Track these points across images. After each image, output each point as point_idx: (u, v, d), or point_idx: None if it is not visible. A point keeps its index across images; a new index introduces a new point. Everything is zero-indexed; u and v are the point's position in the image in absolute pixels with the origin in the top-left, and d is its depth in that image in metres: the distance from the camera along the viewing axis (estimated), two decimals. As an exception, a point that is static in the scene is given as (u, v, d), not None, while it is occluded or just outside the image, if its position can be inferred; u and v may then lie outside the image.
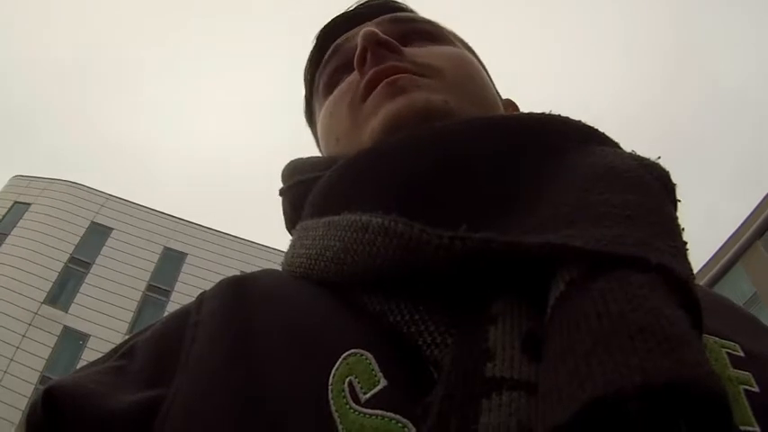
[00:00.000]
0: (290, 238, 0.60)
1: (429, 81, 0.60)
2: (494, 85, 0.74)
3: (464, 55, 0.69)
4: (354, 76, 0.64)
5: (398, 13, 0.72)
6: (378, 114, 0.59)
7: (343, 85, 0.66)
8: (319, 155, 0.79)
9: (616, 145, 0.52)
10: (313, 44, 0.76)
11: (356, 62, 0.63)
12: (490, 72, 0.75)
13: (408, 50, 0.63)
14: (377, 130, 0.58)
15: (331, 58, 0.70)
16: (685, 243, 0.39)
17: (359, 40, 0.62)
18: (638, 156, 0.48)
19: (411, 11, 0.76)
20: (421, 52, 0.65)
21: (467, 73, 0.66)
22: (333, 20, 0.76)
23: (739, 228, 16.86)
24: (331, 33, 0.73)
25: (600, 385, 0.27)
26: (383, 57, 0.61)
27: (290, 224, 0.65)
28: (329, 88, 0.69)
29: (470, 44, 0.77)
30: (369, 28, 0.62)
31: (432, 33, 0.70)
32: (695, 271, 0.38)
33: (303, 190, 0.60)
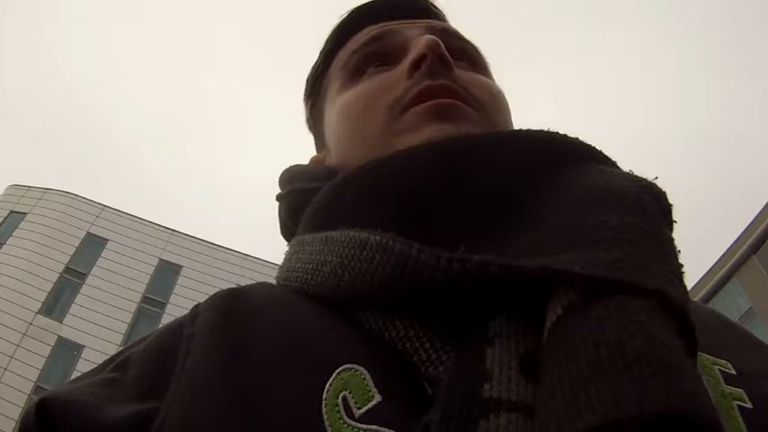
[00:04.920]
0: (285, 249, 0.60)
1: (475, 114, 0.59)
2: None
3: (501, 91, 0.69)
4: (397, 75, 0.62)
5: (446, 25, 0.71)
6: (421, 133, 0.57)
7: (381, 80, 0.63)
8: (315, 153, 0.77)
9: (614, 164, 0.52)
10: (344, 18, 0.74)
11: (411, 65, 0.61)
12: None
13: (458, 74, 0.62)
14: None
15: (370, 43, 0.67)
16: (681, 266, 0.39)
17: (421, 45, 0.60)
18: (636, 176, 0.48)
19: (446, 18, 0.75)
20: (468, 78, 0.63)
21: (504, 113, 0.66)
22: (372, 2, 0.73)
23: (735, 242, 16.87)
24: (368, 15, 0.71)
25: (598, 414, 0.28)
26: (438, 72, 0.60)
27: (286, 230, 0.65)
28: (359, 71, 0.66)
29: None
30: (434, 38, 0.60)
31: (475, 59, 0.69)
32: (691, 285, 0.38)
33: (300, 199, 0.59)
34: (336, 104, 0.67)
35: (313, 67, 0.77)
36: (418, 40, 0.62)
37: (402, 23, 0.68)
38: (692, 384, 0.29)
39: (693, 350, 0.33)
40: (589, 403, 0.28)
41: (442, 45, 0.60)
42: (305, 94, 0.80)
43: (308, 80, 0.78)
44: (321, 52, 0.75)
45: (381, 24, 0.69)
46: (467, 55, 0.69)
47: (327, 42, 0.74)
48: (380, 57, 0.66)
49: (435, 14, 0.74)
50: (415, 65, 0.60)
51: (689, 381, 0.29)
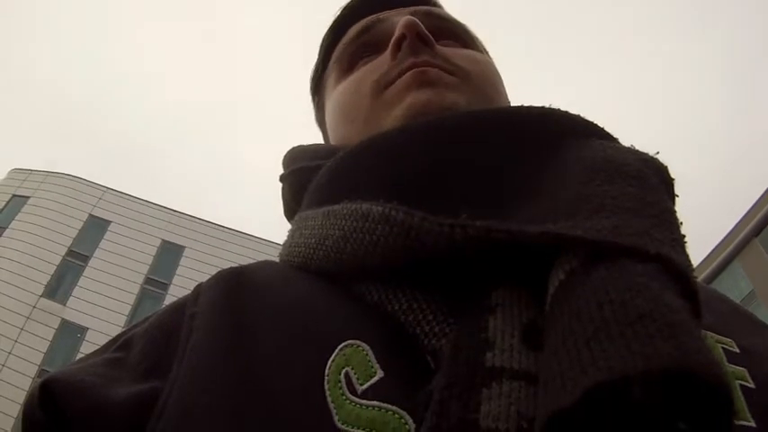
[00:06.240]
0: (289, 228, 0.60)
1: (456, 81, 0.61)
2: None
3: (489, 62, 0.70)
4: (383, 58, 0.64)
5: (433, 8, 0.72)
6: (403, 102, 0.59)
7: (369, 65, 0.65)
8: (319, 137, 0.79)
9: (615, 140, 0.52)
10: (338, 14, 0.75)
11: (391, 46, 0.62)
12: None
13: (440, 49, 0.63)
14: (399, 117, 0.58)
15: (360, 35, 0.69)
16: (684, 236, 0.39)
17: (399, 26, 0.62)
18: (637, 150, 0.48)
19: (439, 4, 0.76)
20: (452, 52, 0.65)
21: (490, 79, 0.67)
22: None
23: (736, 225, 16.86)
24: (360, 9, 0.73)
25: (603, 370, 0.27)
26: (419, 49, 0.61)
27: (289, 211, 0.65)
28: (352, 64, 0.68)
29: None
30: (411, 18, 0.62)
31: (461, 36, 0.71)
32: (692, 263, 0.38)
33: (303, 177, 0.60)
34: (332, 97, 0.70)
35: (314, 66, 0.79)
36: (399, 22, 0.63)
37: (390, 12, 0.70)
38: (698, 342, 0.28)
39: (697, 312, 0.33)
40: (594, 360, 0.28)
41: (420, 24, 0.62)
42: (310, 93, 0.81)
43: (311, 79, 0.80)
44: (319, 50, 0.77)
45: (372, 16, 0.71)
46: (452, 33, 0.70)
47: (324, 40, 0.76)
48: (371, 46, 0.68)
49: (426, 1, 0.74)
50: (397, 45, 0.62)
51: (694, 339, 0.28)
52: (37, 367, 16.67)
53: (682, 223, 0.40)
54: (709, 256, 17.58)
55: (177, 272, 20.38)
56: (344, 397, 0.37)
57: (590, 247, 0.35)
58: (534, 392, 0.32)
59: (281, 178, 0.68)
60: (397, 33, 0.62)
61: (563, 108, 0.53)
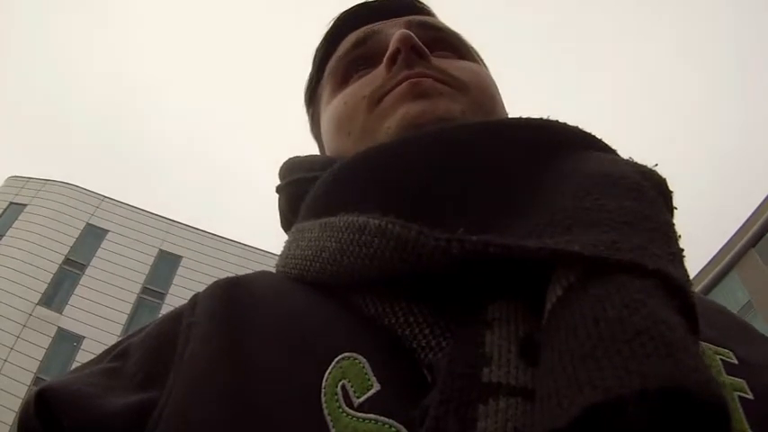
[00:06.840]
0: (286, 238, 0.60)
1: (452, 91, 0.61)
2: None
3: (485, 72, 0.70)
4: (378, 72, 0.64)
5: (427, 18, 0.72)
6: (396, 113, 0.59)
7: (364, 79, 0.65)
8: (315, 145, 0.79)
9: (613, 152, 0.52)
10: (331, 25, 0.75)
11: (386, 60, 0.62)
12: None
13: (435, 60, 0.63)
14: (393, 128, 0.58)
15: (355, 48, 0.69)
16: (682, 249, 0.39)
17: (394, 40, 0.62)
18: (636, 162, 0.48)
19: (433, 13, 0.76)
20: (447, 63, 0.64)
21: (487, 89, 0.66)
22: (357, 6, 0.74)
23: (734, 235, 16.87)
24: (353, 20, 0.72)
25: (599, 390, 0.27)
26: (414, 62, 0.61)
27: (286, 222, 0.65)
28: (346, 77, 0.68)
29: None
30: (405, 31, 0.62)
31: (456, 46, 0.70)
32: (690, 277, 0.38)
33: (300, 189, 0.60)
34: (327, 111, 0.69)
35: (308, 78, 0.78)
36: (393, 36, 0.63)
37: (385, 23, 0.69)
38: (695, 360, 0.28)
39: (695, 329, 0.33)
40: (590, 379, 0.28)
41: (415, 37, 0.62)
42: (305, 104, 0.81)
43: (305, 91, 0.80)
44: (313, 62, 0.77)
45: (366, 27, 0.70)
46: (447, 43, 0.70)
47: (318, 51, 0.76)
48: (365, 60, 0.68)
49: (420, 10, 0.74)
50: (392, 59, 0.62)
51: (692, 357, 0.28)
52: (32, 375, 16.59)
53: (680, 236, 0.40)
54: (706, 266, 17.59)
55: (174, 281, 20.32)
56: (341, 410, 0.37)
57: (588, 262, 0.35)
58: (531, 409, 0.32)
59: (278, 189, 0.67)
60: (391, 48, 0.62)
61: (561, 119, 0.53)
